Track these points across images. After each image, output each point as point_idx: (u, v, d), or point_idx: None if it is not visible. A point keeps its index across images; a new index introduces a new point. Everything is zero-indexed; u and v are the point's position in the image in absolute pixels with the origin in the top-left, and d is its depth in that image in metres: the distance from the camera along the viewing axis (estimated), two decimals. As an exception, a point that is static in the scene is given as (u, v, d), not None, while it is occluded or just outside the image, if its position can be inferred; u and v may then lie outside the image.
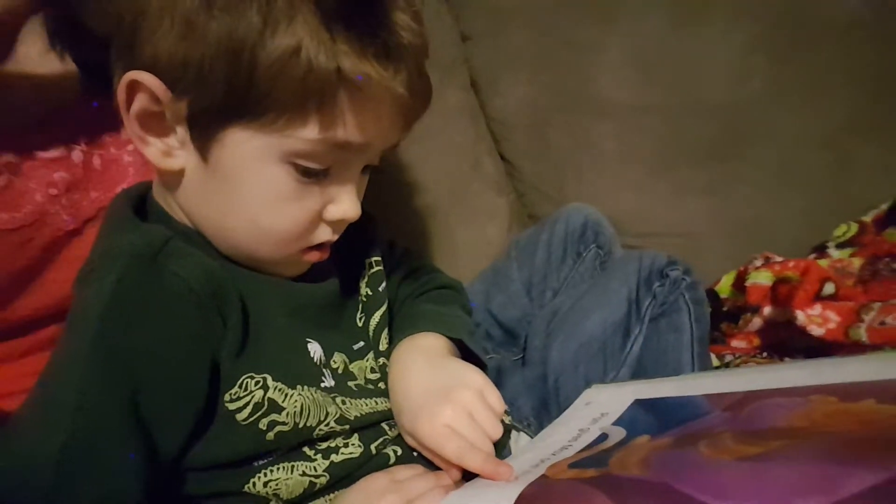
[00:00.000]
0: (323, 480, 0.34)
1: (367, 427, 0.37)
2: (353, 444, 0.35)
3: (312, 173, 0.32)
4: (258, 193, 0.32)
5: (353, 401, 0.36)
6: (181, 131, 0.31)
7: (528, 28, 0.83)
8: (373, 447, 0.36)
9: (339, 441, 0.35)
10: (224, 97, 0.29)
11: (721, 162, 0.76)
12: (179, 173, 0.33)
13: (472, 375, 0.38)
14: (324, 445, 0.34)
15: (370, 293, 0.43)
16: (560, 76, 0.81)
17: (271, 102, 0.29)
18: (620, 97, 0.78)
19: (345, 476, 0.35)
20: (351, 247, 0.43)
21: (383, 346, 0.42)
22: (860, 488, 0.21)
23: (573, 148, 0.81)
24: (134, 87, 0.30)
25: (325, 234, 0.35)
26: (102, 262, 0.31)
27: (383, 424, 0.38)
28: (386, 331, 0.42)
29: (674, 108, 0.77)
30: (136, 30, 0.29)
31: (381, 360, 0.41)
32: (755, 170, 0.75)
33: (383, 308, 0.42)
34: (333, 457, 0.34)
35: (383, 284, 0.43)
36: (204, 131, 0.30)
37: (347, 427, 0.35)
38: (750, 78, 0.75)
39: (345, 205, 0.34)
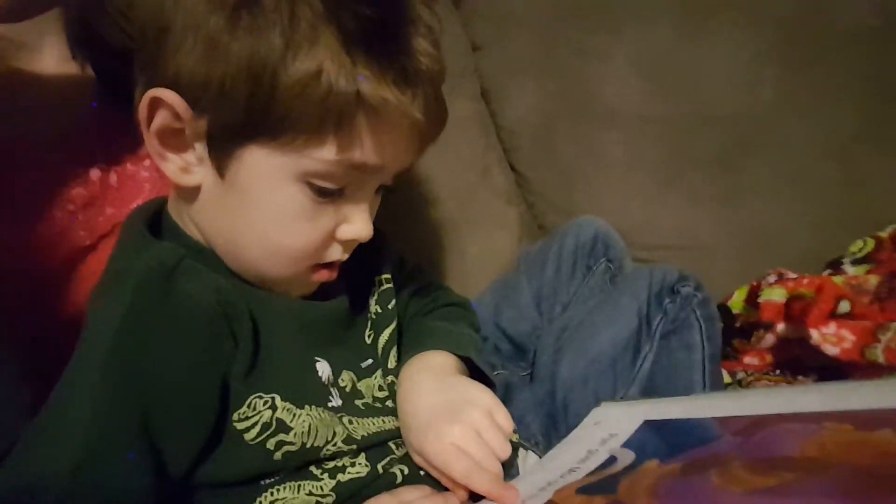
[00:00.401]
0: (329, 500, 0.34)
1: (374, 446, 0.37)
2: (359, 464, 0.35)
3: (328, 193, 0.32)
4: (273, 211, 0.32)
5: (360, 420, 0.36)
6: (200, 148, 0.32)
7: (537, 37, 0.83)
8: (379, 466, 0.36)
9: (346, 460, 0.35)
10: (244, 116, 0.29)
11: (730, 172, 0.75)
12: (196, 189, 0.33)
13: (481, 394, 0.38)
14: (330, 465, 0.34)
15: (380, 310, 0.43)
16: (568, 85, 0.81)
17: (290, 123, 0.29)
18: (628, 106, 0.78)
19: (351, 496, 0.34)
20: (361, 263, 0.43)
21: (392, 363, 0.42)
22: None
23: (581, 157, 0.81)
24: (156, 103, 0.30)
25: (335, 254, 0.35)
26: (116, 281, 0.31)
27: (390, 444, 0.37)
28: (395, 348, 0.42)
29: (682, 118, 0.76)
30: (160, 46, 0.30)
31: (390, 377, 0.41)
32: (765, 180, 0.74)
33: (392, 325, 0.42)
34: (340, 476, 0.34)
35: (393, 302, 0.43)
36: (222, 149, 0.31)
37: (355, 447, 0.35)
38: (759, 87, 0.74)
39: (357, 225, 0.34)
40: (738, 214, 0.74)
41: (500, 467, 0.35)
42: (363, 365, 0.40)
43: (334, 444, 0.34)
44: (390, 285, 0.44)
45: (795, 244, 0.72)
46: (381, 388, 0.40)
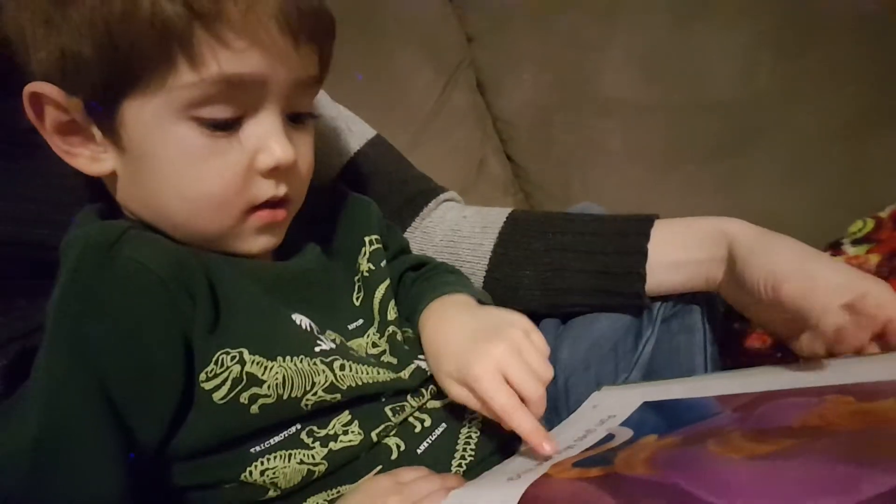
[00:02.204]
0: (321, 468, 0.33)
1: (365, 403, 0.35)
2: (352, 432, 0.34)
3: (221, 125, 0.31)
4: (172, 160, 0.31)
5: (353, 365, 0.35)
6: (97, 132, 0.31)
7: (531, 27, 0.83)
8: (374, 434, 0.35)
9: (339, 428, 0.34)
10: (101, 75, 0.29)
11: (729, 159, 0.75)
12: (114, 176, 0.33)
13: (517, 316, 0.37)
14: (322, 433, 0.33)
15: (372, 268, 0.42)
16: (563, 75, 0.81)
17: (138, 61, 0.29)
18: (625, 95, 0.78)
19: (344, 464, 0.34)
20: (345, 229, 0.43)
21: (392, 315, 0.40)
22: (881, 489, 0.20)
23: (578, 147, 0.81)
24: (37, 100, 0.31)
25: (267, 189, 0.33)
26: (62, 257, 0.30)
27: (387, 409, 0.36)
28: (392, 301, 0.41)
29: (679, 105, 0.76)
30: (25, 48, 0.30)
31: (390, 328, 0.40)
32: (764, 166, 0.74)
33: (387, 282, 0.42)
34: (332, 444, 0.33)
35: (384, 261, 0.43)
36: (105, 119, 0.31)
37: (339, 396, 0.34)
38: (757, 73, 0.74)
39: (273, 151, 0.32)
40: (737, 200, 0.74)
41: (542, 391, 0.33)
42: (350, 327, 0.39)
43: (314, 394, 0.33)
44: (380, 245, 0.43)
45: (796, 229, 0.70)
46: (374, 345, 0.39)
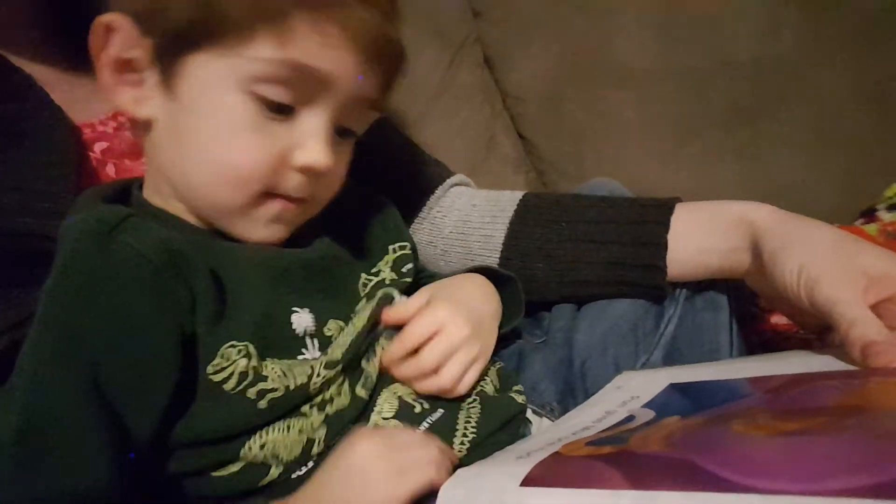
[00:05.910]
0: (321, 434, 0.32)
1: (360, 359, 0.35)
2: (344, 393, 0.34)
3: (276, 108, 0.31)
4: (217, 123, 0.31)
5: (334, 349, 0.35)
6: (151, 76, 0.32)
7: (540, -3, 0.79)
8: (358, 388, 0.35)
9: (334, 390, 0.34)
10: (183, 21, 0.30)
11: (752, 125, 0.71)
12: (151, 125, 0.33)
13: (481, 340, 0.39)
14: (318, 399, 0.33)
15: (395, 277, 0.41)
16: (574, 45, 0.78)
17: (224, 19, 0.29)
18: (639, 63, 0.75)
19: (343, 428, 0.33)
20: (365, 230, 0.43)
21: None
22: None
23: (591, 120, 0.78)
24: (107, 31, 0.31)
25: (291, 183, 0.33)
26: (59, 241, 0.30)
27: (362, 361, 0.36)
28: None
29: (697, 71, 0.73)
30: None
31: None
32: (791, 131, 0.70)
33: (406, 280, 0.42)
34: (328, 409, 0.33)
35: (408, 266, 0.42)
36: (170, 66, 0.31)
37: (339, 367, 0.33)
38: (780, 32, 0.70)
39: (313, 151, 0.32)
40: (763, 168, 0.71)
41: (427, 365, 0.36)
42: (357, 308, 0.38)
43: (318, 374, 0.33)
44: (406, 252, 0.43)
45: (826, 197, 0.68)
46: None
